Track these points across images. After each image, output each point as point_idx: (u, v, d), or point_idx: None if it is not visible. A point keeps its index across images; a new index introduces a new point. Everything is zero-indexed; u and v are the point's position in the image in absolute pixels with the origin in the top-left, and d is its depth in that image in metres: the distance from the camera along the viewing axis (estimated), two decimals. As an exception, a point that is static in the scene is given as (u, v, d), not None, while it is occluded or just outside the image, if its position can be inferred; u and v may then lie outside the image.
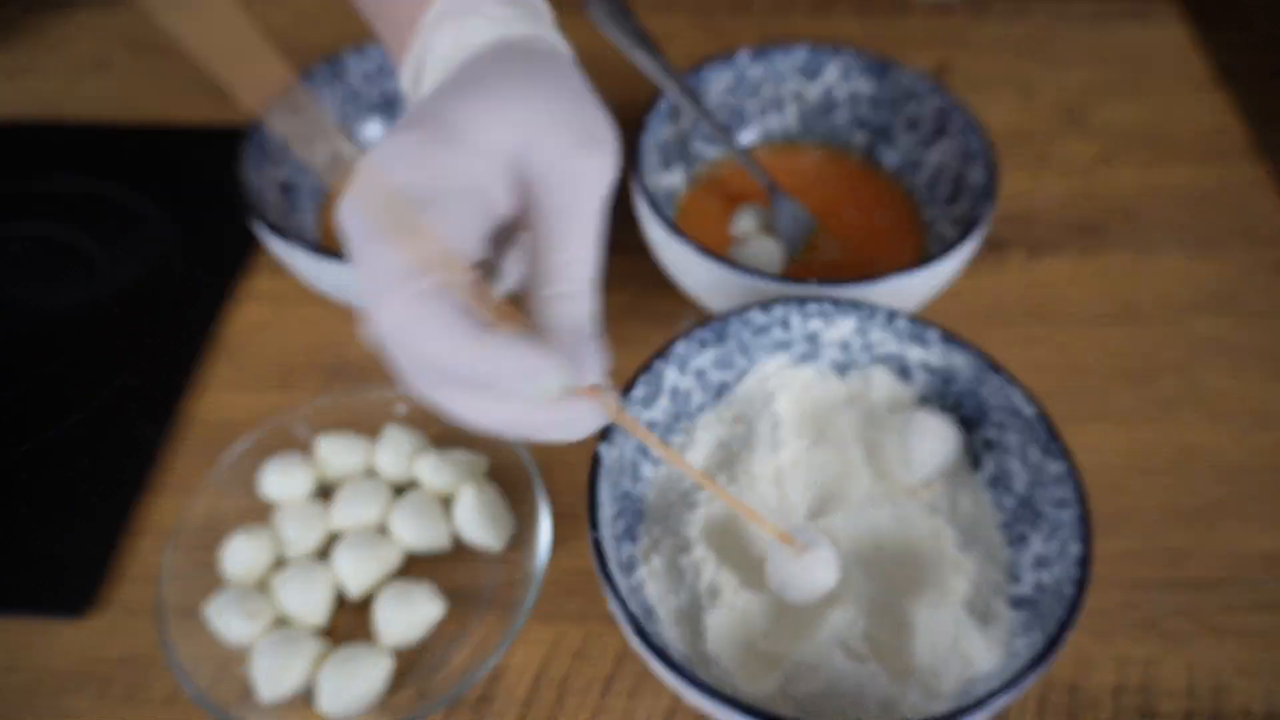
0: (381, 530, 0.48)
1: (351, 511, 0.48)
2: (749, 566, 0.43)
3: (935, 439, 0.44)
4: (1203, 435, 0.53)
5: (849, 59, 0.61)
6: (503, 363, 0.28)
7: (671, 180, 0.60)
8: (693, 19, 0.79)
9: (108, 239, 0.64)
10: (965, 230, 0.50)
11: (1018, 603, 0.41)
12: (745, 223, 0.58)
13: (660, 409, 0.45)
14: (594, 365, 0.30)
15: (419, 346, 0.28)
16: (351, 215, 0.30)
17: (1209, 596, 0.47)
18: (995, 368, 0.44)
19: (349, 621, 0.46)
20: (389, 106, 0.63)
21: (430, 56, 0.36)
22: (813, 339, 0.47)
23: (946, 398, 0.46)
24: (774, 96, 0.62)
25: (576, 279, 0.31)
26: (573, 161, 0.31)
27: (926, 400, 0.47)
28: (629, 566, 0.42)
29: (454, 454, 0.49)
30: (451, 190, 0.30)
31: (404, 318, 0.28)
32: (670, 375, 0.45)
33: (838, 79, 0.61)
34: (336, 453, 0.50)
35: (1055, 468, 0.41)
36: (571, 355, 0.30)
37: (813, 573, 0.39)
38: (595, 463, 0.40)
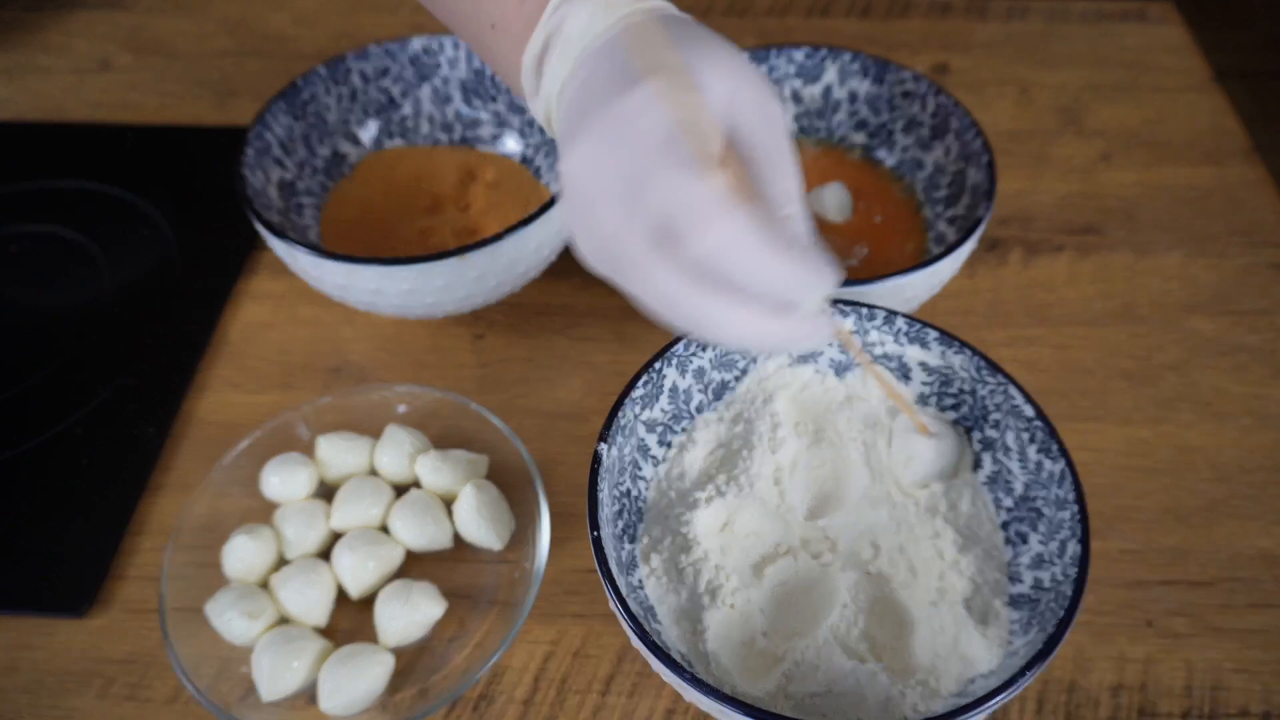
0: (382, 530, 0.48)
1: (352, 511, 0.48)
2: (748, 566, 0.43)
3: (933, 445, 0.44)
4: (1201, 435, 0.53)
5: (848, 60, 0.61)
6: (801, 272, 0.31)
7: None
8: (692, 19, 0.79)
9: (108, 239, 0.64)
10: (964, 230, 0.50)
11: (1017, 602, 0.41)
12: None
13: (660, 409, 0.45)
14: (833, 274, 0.33)
15: (738, 261, 0.31)
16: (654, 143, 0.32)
17: (1207, 595, 0.47)
18: (994, 368, 0.44)
19: (350, 621, 0.46)
20: (389, 107, 0.63)
21: (561, 36, 0.37)
22: (812, 339, 0.47)
23: (945, 398, 0.46)
24: (773, 97, 0.63)
25: (798, 200, 0.35)
26: (769, 105, 0.34)
27: (925, 400, 0.47)
28: (629, 566, 0.42)
29: (454, 454, 0.49)
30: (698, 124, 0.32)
31: (728, 237, 0.31)
32: (670, 375, 0.45)
33: (836, 80, 0.61)
34: (337, 453, 0.50)
35: (1054, 467, 0.41)
36: (818, 265, 0.32)
37: (931, 455, 0.44)
38: (595, 462, 0.40)
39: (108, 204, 0.66)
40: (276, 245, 0.52)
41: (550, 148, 0.62)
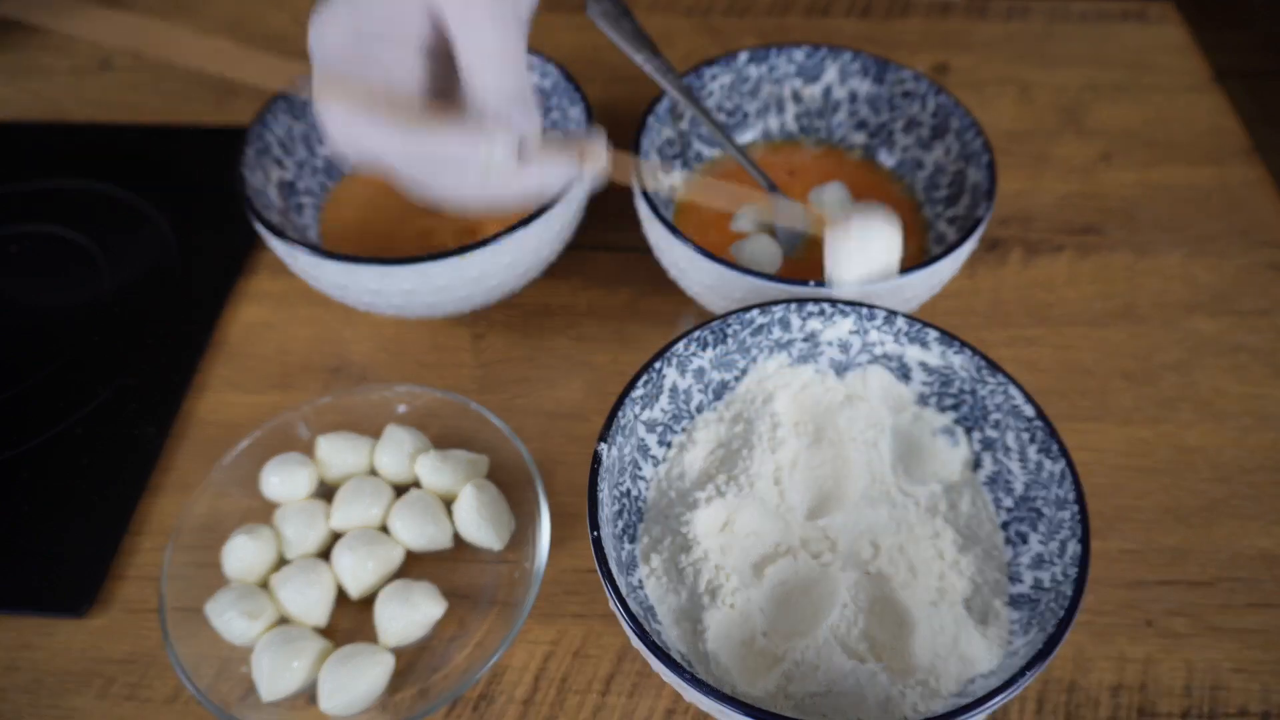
0: (382, 530, 0.48)
1: (352, 511, 0.48)
2: (748, 566, 0.43)
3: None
4: (1201, 435, 0.53)
5: (848, 59, 0.61)
6: (446, 138, 0.34)
7: (671, 180, 0.60)
8: (692, 19, 0.79)
9: (108, 239, 0.64)
10: (964, 230, 0.50)
11: (1017, 602, 0.41)
12: (745, 222, 0.58)
13: (660, 409, 0.45)
14: (524, 121, 0.35)
15: (368, 143, 0.35)
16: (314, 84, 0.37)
17: (1207, 595, 0.47)
18: (994, 367, 0.44)
19: (349, 621, 0.46)
20: (389, 107, 0.63)
21: None
22: (812, 339, 0.47)
23: (945, 397, 0.46)
24: (773, 97, 0.63)
25: (487, 65, 0.36)
26: None
27: (925, 400, 0.47)
28: (629, 566, 0.42)
29: (454, 454, 0.49)
30: (379, 37, 0.37)
31: (346, 122, 0.35)
32: (670, 375, 0.45)
33: (837, 79, 0.61)
34: (337, 452, 0.50)
35: (1054, 467, 0.41)
36: (502, 120, 0.35)
37: (863, 250, 0.40)
38: (595, 462, 0.40)
39: (108, 204, 0.66)
40: (276, 245, 0.52)
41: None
